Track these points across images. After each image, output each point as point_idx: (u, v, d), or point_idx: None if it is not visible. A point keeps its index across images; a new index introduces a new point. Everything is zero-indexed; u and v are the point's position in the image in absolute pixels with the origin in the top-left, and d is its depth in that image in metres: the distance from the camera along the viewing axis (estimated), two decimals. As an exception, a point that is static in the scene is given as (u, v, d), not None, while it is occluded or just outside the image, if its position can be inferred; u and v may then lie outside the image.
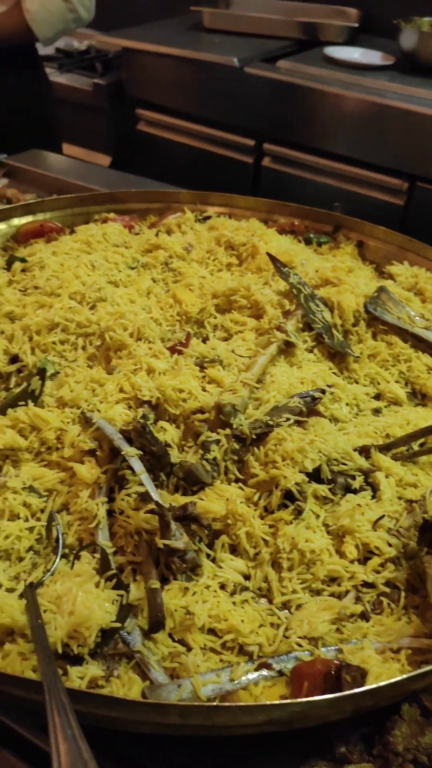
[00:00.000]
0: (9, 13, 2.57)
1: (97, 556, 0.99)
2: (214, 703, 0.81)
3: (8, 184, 2.11)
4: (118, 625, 0.89)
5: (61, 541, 1.02)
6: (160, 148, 3.65)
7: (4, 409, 1.18)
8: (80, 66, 3.85)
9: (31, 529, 1.03)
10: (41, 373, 1.21)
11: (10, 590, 0.94)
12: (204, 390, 1.22)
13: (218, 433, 1.13)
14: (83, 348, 1.34)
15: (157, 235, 1.73)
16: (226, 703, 0.81)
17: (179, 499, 1.05)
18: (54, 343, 1.33)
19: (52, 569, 0.99)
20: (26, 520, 1.04)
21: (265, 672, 0.89)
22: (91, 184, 2.21)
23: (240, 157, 3.46)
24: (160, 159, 3.66)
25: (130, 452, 1.06)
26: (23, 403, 1.17)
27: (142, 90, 3.60)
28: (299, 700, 0.78)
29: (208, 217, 1.83)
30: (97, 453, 1.10)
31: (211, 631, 0.95)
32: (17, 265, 1.53)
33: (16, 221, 1.75)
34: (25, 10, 2.51)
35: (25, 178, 2.30)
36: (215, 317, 1.48)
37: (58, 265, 1.52)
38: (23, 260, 1.54)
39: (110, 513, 1.05)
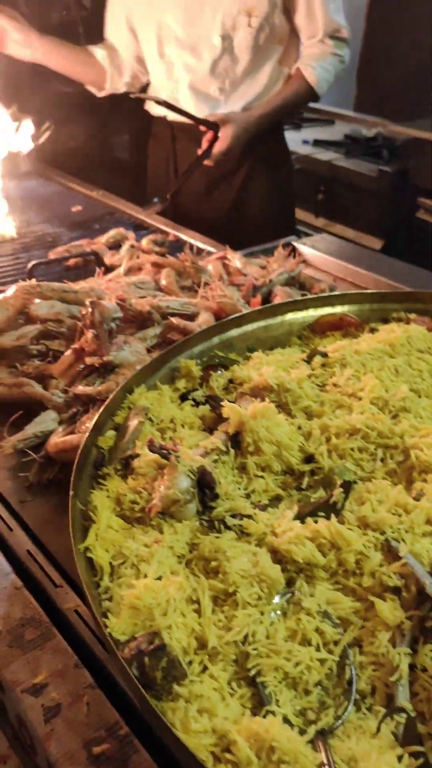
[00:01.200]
0: (296, 83, 2.76)
1: (398, 719, 0.87)
2: None
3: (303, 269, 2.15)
4: None
5: (354, 685, 0.93)
6: (437, 237, 3.56)
7: (302, 516, 1.13)
8: (366, 153, 3.93)
9: (322, 661, 0.95)
10: (346, 486, 1.15)
11: (302, 731, 0.87)
12: None
13: None
14: (382, 460, 1.26)
15: (461, 344, 1.61)
16: None
17: None
18: (352, 449, 1.27)
19: (343, 717, 0.89)
20: (318, 649, 0.96)
21: None
22: (382, 276, 2.18)
23: None
24: (435, 248, 3.56)
25: (447, 605, 0.94)
26: (323, 514, 1.11)
27: (427, 179, 3.56)
28: None
29: None
30: (403, 593, 0.99)
31: None
32: (318, 360, 1.51)
33: (312, 311, 1.76)
34: (308, 75, 2.72)
35: (314, 262, 2.35)
36: None
37: (360, 364, 1.47)
38: (325, 355, 1.51)
39: (410, 666, 0.94)
